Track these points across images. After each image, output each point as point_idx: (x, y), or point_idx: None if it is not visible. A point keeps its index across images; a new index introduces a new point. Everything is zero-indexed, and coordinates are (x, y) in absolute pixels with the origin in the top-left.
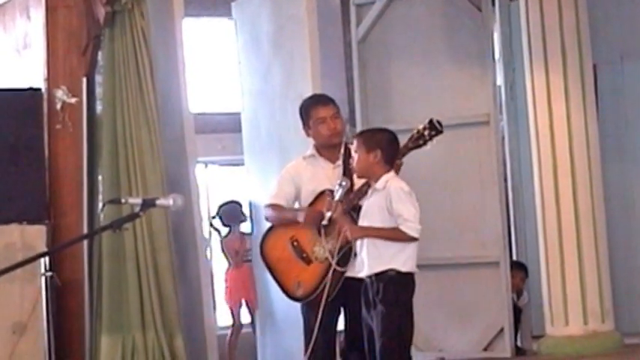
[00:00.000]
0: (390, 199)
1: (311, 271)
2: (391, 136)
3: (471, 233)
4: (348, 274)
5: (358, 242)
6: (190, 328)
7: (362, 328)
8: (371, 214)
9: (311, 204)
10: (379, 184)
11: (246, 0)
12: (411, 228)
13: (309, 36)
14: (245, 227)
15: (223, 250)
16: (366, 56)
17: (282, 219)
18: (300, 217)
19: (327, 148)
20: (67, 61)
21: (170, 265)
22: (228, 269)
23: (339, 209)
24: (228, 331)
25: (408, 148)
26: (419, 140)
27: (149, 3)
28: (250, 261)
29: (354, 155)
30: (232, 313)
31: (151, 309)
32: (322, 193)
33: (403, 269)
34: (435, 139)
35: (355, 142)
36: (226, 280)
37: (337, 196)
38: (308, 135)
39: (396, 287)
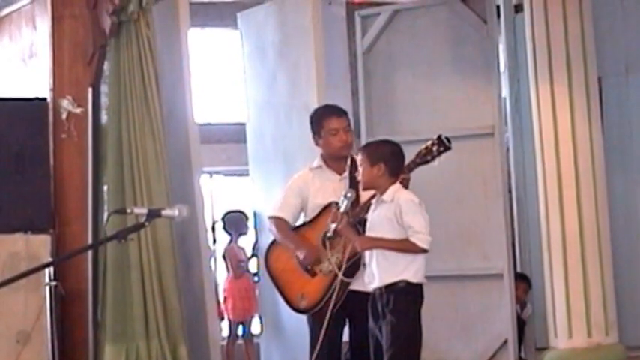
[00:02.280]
0: (400, 211)
1: (315, 284)
2: (395, 149)
3: (475, 245)
4: (354, 286)
5: (367, 254)
6: (194, 337)
7: (366, 340)
8: (379, 226)
9: (317, 217)
10: (386, 197)
11: (252, 10)
12: (422, 240)
13: (314, 46)
14: (242, 240)
15: (224, 258)
16: (371, 67)
17: (282, 242)
18: (300, 253)
19: (334, 160)
20: (73, 70)
21: (174, 274)
22: (227, 278)
23: (344, 221)
24: (224, 342)
25: (416, 164)
26: (427, 156)
27: (155, 13)
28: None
29: (360, 169)
30: (231, 325)
31: (154, 318)
32: (328, 205)
33: (414, 280)
34: (443, 156)
35: (360, 155)
36: (226, 290)
37: (342, 207)
38: (317, 144)
39: (407, 297)
